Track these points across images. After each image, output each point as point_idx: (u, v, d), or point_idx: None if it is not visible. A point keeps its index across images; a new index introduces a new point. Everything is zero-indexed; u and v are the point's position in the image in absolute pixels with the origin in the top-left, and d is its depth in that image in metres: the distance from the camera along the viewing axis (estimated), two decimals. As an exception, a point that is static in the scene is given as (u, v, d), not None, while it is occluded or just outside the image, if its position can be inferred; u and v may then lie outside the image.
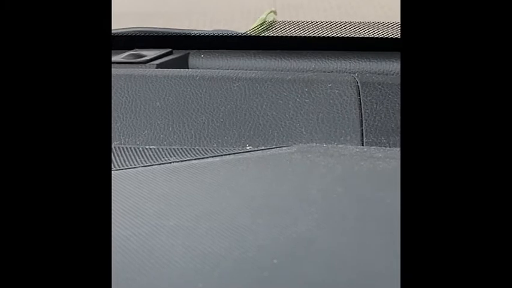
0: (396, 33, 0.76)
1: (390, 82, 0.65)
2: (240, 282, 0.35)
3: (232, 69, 0.78)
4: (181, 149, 0.59)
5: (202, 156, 0.56)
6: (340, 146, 0.59)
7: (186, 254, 0.37)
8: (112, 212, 0.42)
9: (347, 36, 0.78)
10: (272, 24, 0.85)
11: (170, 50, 0.82)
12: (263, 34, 0.85)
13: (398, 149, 0.57)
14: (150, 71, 0.72)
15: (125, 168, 0.53)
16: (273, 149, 0.57)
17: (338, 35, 0.78)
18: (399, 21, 0.74)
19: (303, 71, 0.77)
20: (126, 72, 0.70)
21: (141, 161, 0.57)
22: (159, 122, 0.65)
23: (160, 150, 0.59)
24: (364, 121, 0.62)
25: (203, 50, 0.83)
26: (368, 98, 0.64)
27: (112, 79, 0.66)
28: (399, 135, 0.61)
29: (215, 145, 0.62)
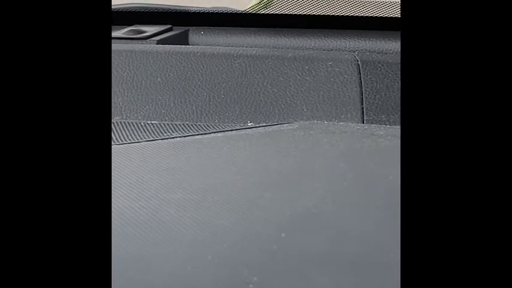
0: (396, 12, 0.77)
1: (390, 61, 0.66)
2: (249, 254, 0.36)
3: (233, 46, 0.79)
4: (183, 124, 0.60)
5: (205, 132, 0.57)
6: (341, 123, 0.60)
7: (195, 227, 0.38)
8: (119, 185, 0.43)
9: (347, 15, 0.78)
10: (271, 1, 0.86)
11: (170, 26, 0.82)
12: (262, 12, 0.85)
13: (399, 126, 0.58)
14: (151, 46, 0.72)
15: (129, 143, 0.54)
16: (275, 126, 0.57)
17: (338, 14, 0.78)
18: (399, 1, 0.75)
19: (304, 49, 0.77)
20: (127, 48, 0.70)
21: (143, 135, 0.57)
22: (160, 98, 0.65)
23: (162, 125, 0.60)
24: (364, 99, 0.63)
25: (203, 27, 0.83)
26: (368, 77, 0.64)
27: (113, 54, 0.67)
28: (399, 113, 0.62)
29: (216, 121, 0.63)
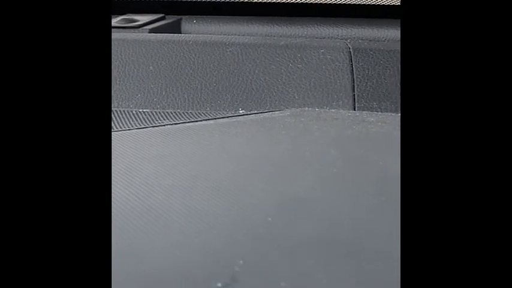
0: (389, 0, 0.77)
1: (382, 48, 0.66)
2: (236, 238, 0.36)
3: (225, 34, 0.79)
4: (175, 112, 0.60)
5: (196, 120, 0.57)
6: (333, 110, 0.60)
7: (184, 212, 0.38)
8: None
9: (339, 3, 0.78)
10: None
11: (163, 15, 0.82)
12: (255, 0, 0.85)
13: (390, 113, 0.58)
14: (143, 35, 0.72)
15: (120, 130, 0.54)
16: (266, 113, 0.57)
17: (330, 1, 0.78)
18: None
19: (296, 37, 0.77)
20: (119, 36, 0.70)
21: (135, 123, 0.57)
22: (152, 86, 0.65)
23: (154, 113, 0.60)
24: (356, 86, 0.63)
25: (195, 16, 0.83)
26: (360, 64, 0.64)
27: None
28: (390, 100, 0.62)
29: (208, 109, 0.63)
